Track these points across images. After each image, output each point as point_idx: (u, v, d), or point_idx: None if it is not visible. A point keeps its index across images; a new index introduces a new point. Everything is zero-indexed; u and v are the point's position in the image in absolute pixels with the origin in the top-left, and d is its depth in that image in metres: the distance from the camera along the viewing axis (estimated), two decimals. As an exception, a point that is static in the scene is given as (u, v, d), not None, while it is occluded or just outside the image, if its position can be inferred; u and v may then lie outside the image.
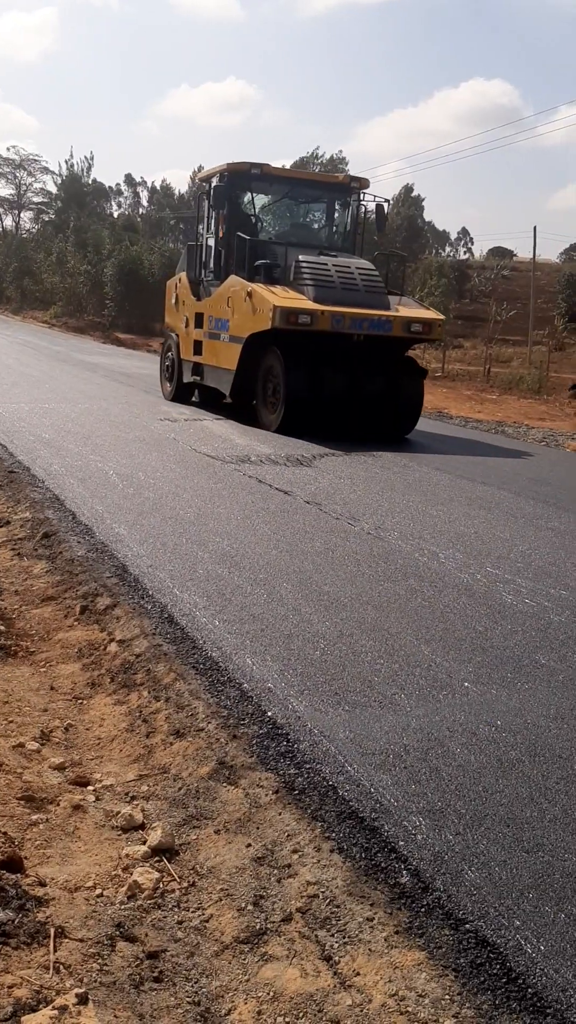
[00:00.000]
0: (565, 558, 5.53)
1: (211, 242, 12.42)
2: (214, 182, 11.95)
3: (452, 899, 2.16)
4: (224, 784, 2.70)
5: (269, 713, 3.08)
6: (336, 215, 12.94)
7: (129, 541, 5.15)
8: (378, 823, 2.45)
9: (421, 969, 1.97)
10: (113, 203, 68.83)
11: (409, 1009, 1.86)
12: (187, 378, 13.03)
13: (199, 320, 12.39)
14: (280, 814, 2.53)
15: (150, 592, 4.30)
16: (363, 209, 12.81)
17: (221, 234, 11.98)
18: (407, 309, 10.93)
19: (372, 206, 12.70)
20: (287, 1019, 1.86)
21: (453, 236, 75.19)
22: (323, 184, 13.16)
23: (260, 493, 6.80)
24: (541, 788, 2.70)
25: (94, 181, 58.79)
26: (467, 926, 2.07)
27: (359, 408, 10.68)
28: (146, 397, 13.67)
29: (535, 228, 54.27)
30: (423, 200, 61.92)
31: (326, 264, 10.73)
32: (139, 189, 70.39)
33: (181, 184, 72.87)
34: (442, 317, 11.29)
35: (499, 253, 58.89)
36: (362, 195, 12.53)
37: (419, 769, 2.75)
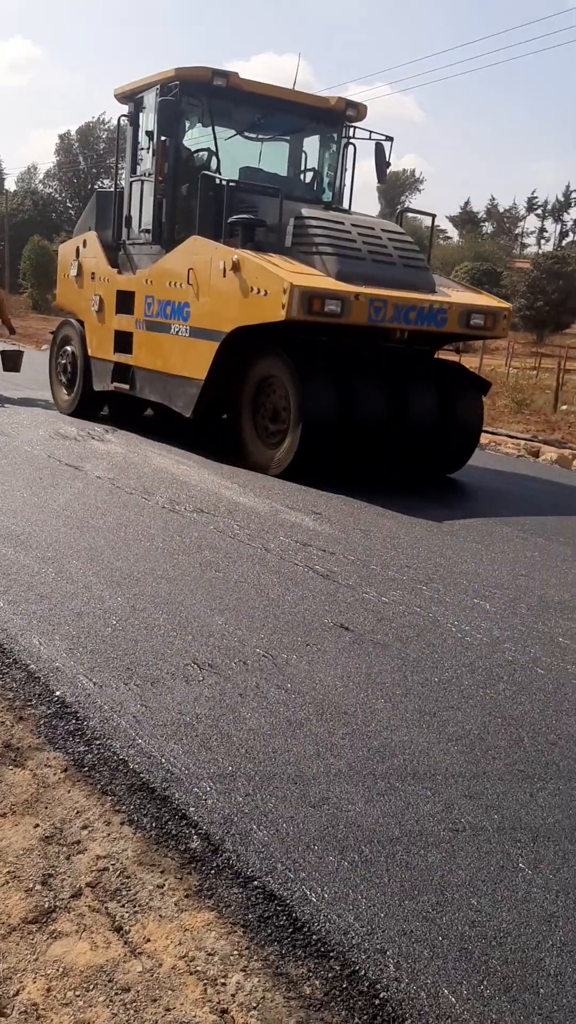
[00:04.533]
0: (352, 532, 5.73)
1: (144, 188, 8.56)
2: (154, 97, 8.21)
3: (241, 858, 2.21)
4: (10, 767, 2.63)
5: (58, 692, 3.03)
6: (323, 155, 9.27)
7: None
8: (169, 792, 2.47)
9: (211, 929, 2.00)
10: None
11: (199, 968, 1.90)
12: (101, 385, 9.27)
13: (124, 302, 8.81)
14: (69, 792, 2.50)
15: None
16: (353, 149, 9.23)
17: (162, 175, 8.17)
18: (457, 293, 7.82)
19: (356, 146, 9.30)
20: (77, 992, 1.84)
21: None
22: (308, 109, 8.89)
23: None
24: (327, 744, 2.80)
25: None
26: (255, 883, 2.13)
27: (404, 437, 7.44)
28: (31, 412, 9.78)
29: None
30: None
31: (343, 224, 7.41)
32: None
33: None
34: (508, 306, 7.93)
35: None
36: (353, 130, 9.14)
37: (210, 736, 2.79)
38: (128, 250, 9.01)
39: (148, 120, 8.49)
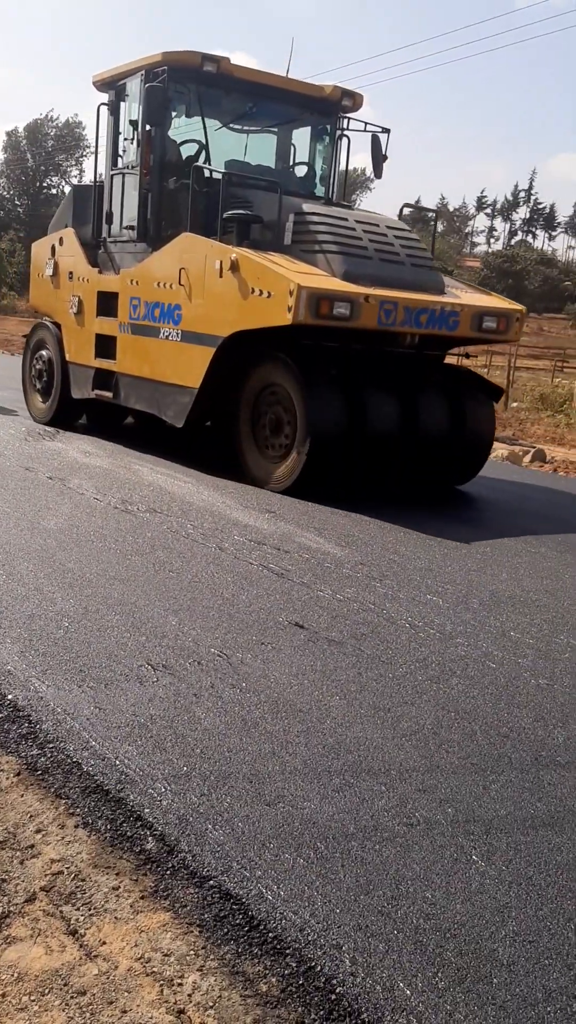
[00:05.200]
0: (281, 523, 5.74)
1: (126, 182, 8.04)
2: (139, 83, 7.61)
3: (196, 858, 2.20)
4: (-38, 772, 2.60)
5: (9, 696, 3.00)
6: (316, 147, 8.73)
7: None
8: (123, 794, 2.45)
9: (167, 929, 2.00)
10: None
11: (155, 969, 1.89)
12: (81, 392, 8.70)
13: (106, 304, 8.26)
14: (22, 796, 2.48)
15: None
16: (346, 141, 8.69)
17: (148, 167, 7.64)
18: (467, 294, 7.39)
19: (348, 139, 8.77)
20: (32, 997, 1.83)
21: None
22: (302, 98, 8.33)
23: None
24: (282, 742, 2.81)
25: None
26: (211, 882, 2.13)
27: (416, 449, 6.99)
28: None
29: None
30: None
31: (347, 221, 6.97)
32: None
33: None
34: (521, 308, 7.47)
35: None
36: (347, 121, 8.59)
37: (164, 737, 2.78)
38: (109, 248, 8.45)
39: (132, 108, 7.94)
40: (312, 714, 3.03)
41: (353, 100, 8.47)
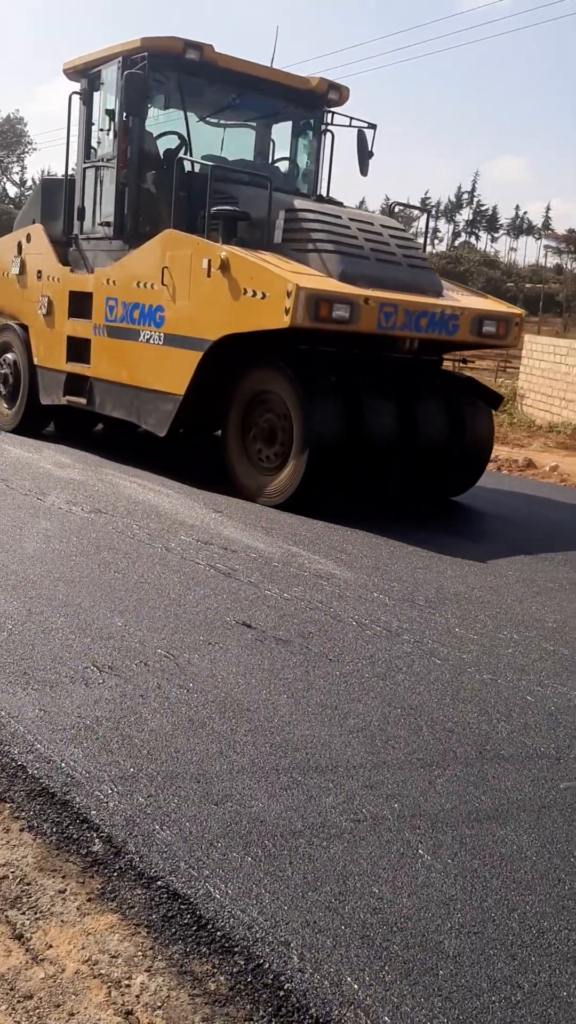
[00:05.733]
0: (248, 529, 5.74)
1: (101, 176, 7.66)
2: (115, 71, 7.30)
3: (144, 859, 2.20)
4: None
5: (-47, 700, 2.96)
6: (299, 143, 8.37)
7: None
8: (69, 796, 2.43)
9: (114, 931, 1.99)
10: None
11: (103, 971, 1.88)
12: (50, 398, 8.26)
13: (79, 304, 7.86)
14: (-34, 801, 2.45)
15: None
16: (330, 137, 8.39)
17: (125, 160, 7.30)
18: (464, 297, 7.18)
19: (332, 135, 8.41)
20: (-23, 1006, 1.81)
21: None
22: (287, 90, 8.00)
23: None
24: (229, 742, 2.81)
25: None
26: (159, 883, 2.12)
27: (415, 457, 6.70)
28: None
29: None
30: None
31: (341, 219, 6.68)
32: None
33: None
34: (521, 312, 7.22)
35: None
36: (331, 116, 8.28)
37: (111, 739, 2.76)
38: (82, 246, 8.02)
39: (107, 98, 7.56)
40: (259, 713, 3.04)
41: (339, 93, 8.13)
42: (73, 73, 8.05)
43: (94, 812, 2.37)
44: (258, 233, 6.67)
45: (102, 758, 2.64)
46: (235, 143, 8.23)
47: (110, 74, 7.48)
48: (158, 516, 5.70)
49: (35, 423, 8.74)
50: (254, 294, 6.00)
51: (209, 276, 6.36)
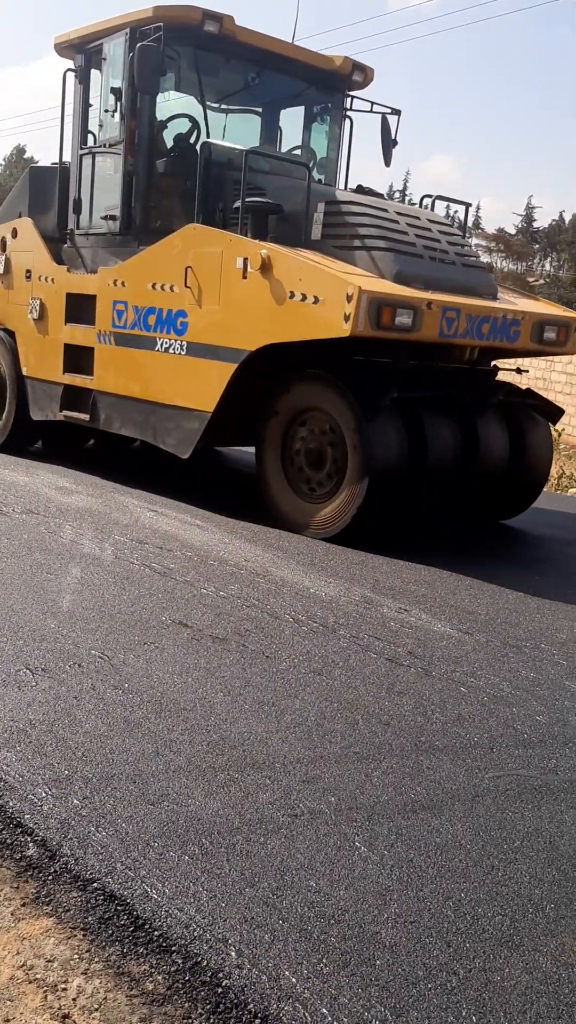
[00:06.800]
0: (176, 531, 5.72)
1: (103, 163, 6.91)
2: (121, 44, 6.53)
3: (79, 861, 2.18)
4: None
5: None
6: (317, 129, 7.58)
7: None
8: (2, 801, 2.40)
9: (49, 935, 1.97)
10: None
11: (38, 976, 1.86)
12: (43, 413, 7.47)
13: (78, 308, 7.05)
14: None
15: None
16: (349, 124, 7.62)
17: (132, 144, 6.56)
18: (521, 300, 6.50)
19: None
20: None
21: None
22: (309, 69, 7.20)
23: None
24: (166, 741, 2.80)
25: None
26: (95, 885, 2.10)
27: (475, 480, 6.09)
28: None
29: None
30: (37, 163, 59.90)
31: (387, 212, 5.97)
32: None
33: None
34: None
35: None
36: (351, 100, 7.53)
37: (44, 741, 2.73)
38: (78, 242, 7.26)
39: (111, 74, 6.76)
40: (196, 712, 3.03)
41: (364, 75, 7.34)
42: (67, 48, 7.25)
43: (28, 816, 2.34)
44: (289, 228, 5.95)
45: (36, 761, 2.61)
46: (239, 131, 7.39)
47: (115, 48, 6.66)
48: (91, 516, 5.64)
49: (22, 440, 7.94)
50: (303, 298, 5.29)
51: (245, 277, 5.63)
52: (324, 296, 5.18)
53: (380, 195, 6.59)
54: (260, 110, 7.61)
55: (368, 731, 3.00)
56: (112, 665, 3.35)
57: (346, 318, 5.03)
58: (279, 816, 2.43)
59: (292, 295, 5.36)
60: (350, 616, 4.17)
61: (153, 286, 6.35)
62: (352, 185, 7.26)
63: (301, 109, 7.56)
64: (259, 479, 6.06)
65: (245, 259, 5.62)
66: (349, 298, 5.02)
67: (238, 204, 5.91)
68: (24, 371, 7.64)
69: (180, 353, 6.16)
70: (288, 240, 5.79)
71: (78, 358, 7.06)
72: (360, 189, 6.65)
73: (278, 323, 5.48)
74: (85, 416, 7.02)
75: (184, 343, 6.13)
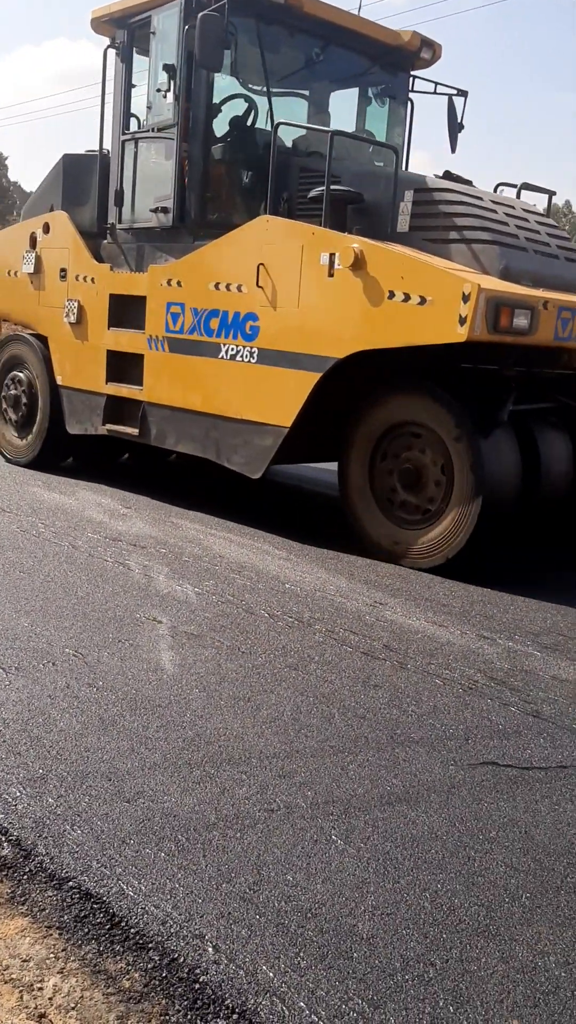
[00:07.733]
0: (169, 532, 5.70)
1: (148, 149, 6.34)
2: (175, 16, 5.86)
3: (55, 860, 2.16)
4: None
5: None
6: (377, 111, 6.90)
7: None
8: (-24, 801, 2.38)
9: (25, 935, 1.95)
10: None
11: (14, 976, 1.85)
12: (82, 426, 6.78)
13: (124, 310, 6.41)
14: None
15: None
16: (409, 105, 6.95)
17: (187, 128, 5.92)
18: None
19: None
20: None
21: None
22: (376, 46, 6.55)
23: None
24: (141, 739, 2.79)
25: None
26: (70, 883, 2.09)
27: None
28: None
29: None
30: (6, 159, 59.32)
31: (483, 201, 5.41)
32: None
33: None
34: None
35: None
36: (413, 80, 6.88)
37: (19, 741, 2.71)
38: (120, 237, 6.61)
39: (161, 50, 6.07)
40: (171, 708, 3.02)
41: (433, 52, 6.70)
42: (107, 23, 6.58)
43: (2, 816, 2.32)
44: (369, 220, 5.36)
45: (10, 760, 2.59)
46: (283, 115, 6.49)
47: (166, 20, 5.98)
48: (63, 514, 5.60)
49: (56, 455, 7.18)
50: (406, 298, 4.70)
51: (332, 275, 5.03)
52: (433, 296, 4.61)
53: (469, 182, 5.82)
54: (307, 92, 6.92)
55: (344, 725, 3.01)
56: (86, 663, 3.33)
57: (461, 321, 4.47)
58: (255, 811, 2.43)
59: (392, 295, 4.77)
60: (325, 611, 4.17)
61: (216, 286, 5.72)
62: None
63: (352, 91, 6.92)
64: (343, 500, 5.47)
65: (332, 255, 5.02)
66: (466, 298, 4.46)
67: (311, 193, 5.41)
68: (59, 380, 6.93)
69: (250, 361, 5.54)
70: (369, 233, 5.19)
71: (124, 366, 6.43)
72: (448, 175, 5.82)
73: (373, 327, 4.89)
74: (134, 430, 6.35)
75: (255, 350, 5.51)
